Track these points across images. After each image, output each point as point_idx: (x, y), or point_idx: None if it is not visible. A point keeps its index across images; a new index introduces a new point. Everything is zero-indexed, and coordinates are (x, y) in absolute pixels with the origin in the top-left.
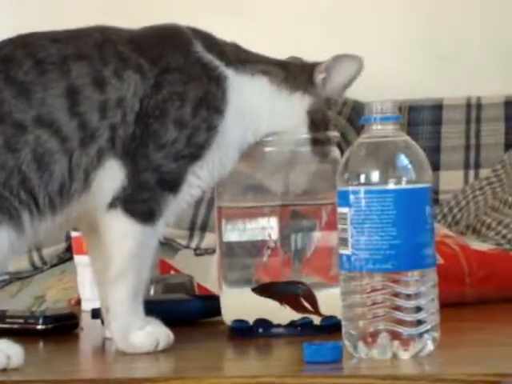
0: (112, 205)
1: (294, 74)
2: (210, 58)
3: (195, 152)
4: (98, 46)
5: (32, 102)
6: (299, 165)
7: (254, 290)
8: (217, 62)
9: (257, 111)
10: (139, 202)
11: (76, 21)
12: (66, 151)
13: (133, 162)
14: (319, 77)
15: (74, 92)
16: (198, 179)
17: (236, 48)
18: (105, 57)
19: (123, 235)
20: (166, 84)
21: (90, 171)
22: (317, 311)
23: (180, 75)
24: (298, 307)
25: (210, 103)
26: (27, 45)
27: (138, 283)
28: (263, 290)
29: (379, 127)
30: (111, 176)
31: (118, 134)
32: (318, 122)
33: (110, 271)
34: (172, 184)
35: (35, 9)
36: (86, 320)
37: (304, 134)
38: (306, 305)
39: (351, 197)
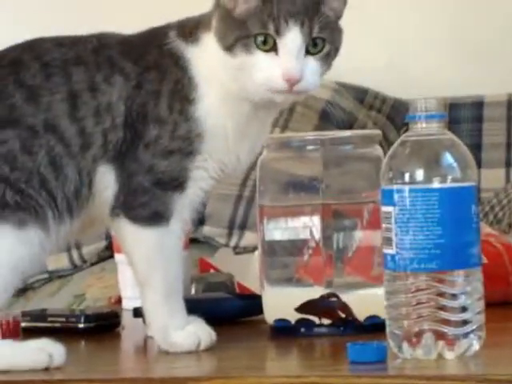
0: (114, 214)
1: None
2: (178, 43)
3: (184, 146)
4: (95, 52)
5: (40, 106)
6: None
7: (297, 310)
8: (182, 46)
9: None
10: (139, 208)
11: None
12: (70, 156)
13: (124, 167)
14: None
15: (75, 97)
16: (206, 171)
17: (198, 17)
18: (99, 62)
19: (135, 242)
20: (144, 83)
21: (91, 178)
22: (354, 318)
23: (155, 73)
24: (336, 319)
25: (180, 93)
26: (33, 48)
27: (168, 284)
28: (304, 308)
29: (424, 125)
30: (106, 183)
31: (110, 139)
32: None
33: (136, 276)
34: (173, 183)
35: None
36: (127, 319)
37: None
38: (343, 315)
39: (395, 196)
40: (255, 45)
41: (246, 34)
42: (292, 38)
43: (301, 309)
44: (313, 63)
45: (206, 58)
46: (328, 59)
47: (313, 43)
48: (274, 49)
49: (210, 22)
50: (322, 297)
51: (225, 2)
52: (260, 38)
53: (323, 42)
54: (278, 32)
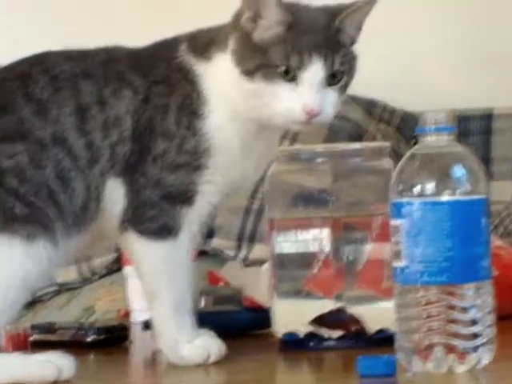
0: (123, 228)
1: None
2: (188, 58)
3: (192, 161)
4: (103, 65)
5: (48, 119)
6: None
7: (311, 323)
8: (193, 60)
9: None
10: (148, 221)
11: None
12: (78, 170)
13: (132, 181)
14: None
15: (83, 110)
16: (214, 186)
17: (211, 32)
18: (107, 76)
19: (143, 256)
20: (153, 97)
21: (99, 191)
22: (364, 331)
23: (163, 86)
24: (349, 331)
25: (189, 108)
26: (42, 62)
27: (176, 297)
28: (317, 321)
29: (433, 138)
30: (115, 197)
31: (117, 153)
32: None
33: (145, 290)
34: (182, 197)
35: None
36: (136, 332)
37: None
38: (353, 328)
39: (405, 208)
40: (276, 74)
41: (267, 62)
42: (314, 72)
43: (315, 321)
44: (331, 95)
45: (217, 76)
46: (345, 89)
47: (332, 75)
48: (294, 79)
49: (225, 41)
50: (331, 312)
51: (244, 25)
52: (282, 68)
53: (342, 74)
54: (301, 65)
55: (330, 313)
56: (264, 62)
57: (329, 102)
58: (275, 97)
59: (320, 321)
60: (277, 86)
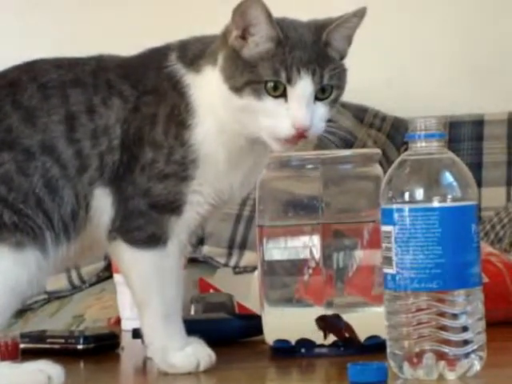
0: (111, 237)
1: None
2: (178, 67)
3: (179, 171)
4: (93, 74)
5: (36, 127)
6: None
7: (316, 321)
8: (182, 71)
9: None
10: (136, 230)
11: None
12: (67, 179)
13: (120, 190)
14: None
15: (72, 119)
16: (202, 196)
17: (202, 43)
18: (97, 84)
19: (132, 265)
20: (142, 106)
21: (87, 200)
22: (357, 340)
23: (152, 96)
24: (342, 338)
25: (177, 118)
26: (31, 69)
27: (165, 305)
28: (320, 322)
29: (423, 144)
30: (103, 206)
31: (106, 162)
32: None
33: (134, 298)
34: (170, 207)
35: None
36: (126, 340)
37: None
38: (347, 335)
39: (395, 215)
40: (265, 90)
41: (256, 79)
42: (303, 87)
43: (317, 321)
44: (321, 109)
45: (206, 88)
46: (335, 103)
47: (321, 90)
48: (283, 95)
49: (215, 56)
50: (331, 315)
51: (233, 43)
52: (270, 84)
53: (331, 89)
54: (289, 81)
55: (330, 316)
56: (253, 78)
57: (318, 117)
58: (263, 113)
59: (322, 321)
60: (265, 101)
